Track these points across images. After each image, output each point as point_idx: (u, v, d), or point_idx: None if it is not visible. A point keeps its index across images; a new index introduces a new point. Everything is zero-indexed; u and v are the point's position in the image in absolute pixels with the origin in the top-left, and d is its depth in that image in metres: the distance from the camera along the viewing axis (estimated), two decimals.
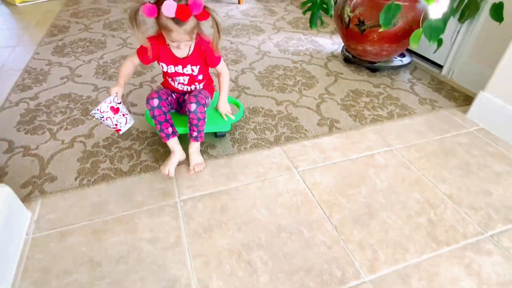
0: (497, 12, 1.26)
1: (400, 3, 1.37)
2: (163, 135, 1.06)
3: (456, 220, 0.94)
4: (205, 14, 0.89)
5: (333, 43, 2.02)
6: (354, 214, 0.95)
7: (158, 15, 0.88)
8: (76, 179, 1.06)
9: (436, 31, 1.34)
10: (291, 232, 0.90)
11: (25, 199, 0.98)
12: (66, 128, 1.29)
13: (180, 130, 1.11)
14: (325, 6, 1.46)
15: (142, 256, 0.84)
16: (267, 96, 1.50)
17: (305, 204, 0.98)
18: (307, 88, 1.56)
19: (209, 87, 1.17)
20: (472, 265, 0.82)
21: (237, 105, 1.28)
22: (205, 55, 1.04)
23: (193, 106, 1.01)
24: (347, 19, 1.57)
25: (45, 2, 2.80)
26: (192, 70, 1.06)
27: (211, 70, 1.13)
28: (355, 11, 1.52)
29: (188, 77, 1.08)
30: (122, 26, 2.27)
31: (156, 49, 1.01)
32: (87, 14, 2.49)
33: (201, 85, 1.14)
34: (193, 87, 1.12)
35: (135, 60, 1.04)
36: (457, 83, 1.61)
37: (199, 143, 1.11)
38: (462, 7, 1.43)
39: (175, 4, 0.84)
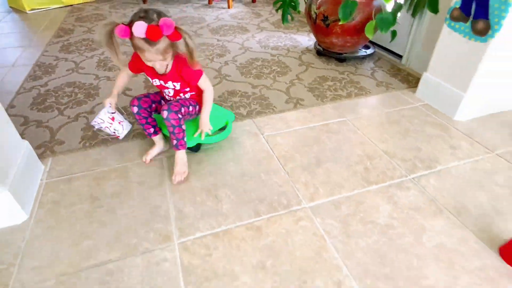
0: (433, 5, 1.51)
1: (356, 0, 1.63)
2: (146, 133, 1.19)
3: (387, 168, 1.17)
4: (177, 34, 0.90)
5: (309, 40, 2.28)
6: (304, 164, 1.19)
7: (132, 36, 0.90)
8: (80, 142, 1.31)
9: (386, 23, 1.59)
10: (251, 176, 1.13)
11: (39, 156, 1.21)
12: (72, 107, 1.54)
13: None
14: (293, 4, 1.73)
15: (132, 193, 1.07)
16: (245, 82, 1.75)
17: (266, 159, 1.22)
18: (280, 75, 1.82)
19: (200, 97, 1.17)
20: (392, 197, 1.05)
21: (226, 124, 1.27)
22: (182, 75, 1.06)
23: (165, 114, 1.04)
24: (314, 16, 1.83)
25: (52, 9, 3.11)
26: (174, 86, 1.11)
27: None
28: (320, 8, 1.78)
29: (173, 90, 1.13)
30: None
31: (140, 63, 1.05)
32: (90, 19, 2.79)
33: (188, 95, 1.17)
34: (178, 98, 1.16)
35: (129, 71, 1.12)
36: (412, 69, 1.85)
37: (182, 151, 1.12)
38: (414, 3, 1.69)
39: (145, 25, 0.86)
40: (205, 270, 0.84)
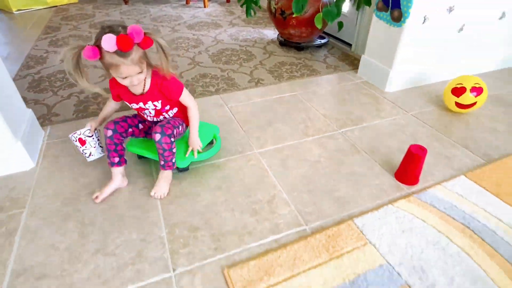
0: None
1: None
2: (108, 161, 1.12)
3: (323, 125, 1.50)
4: (148, 40, 0.90)
5: (274, 33, 2.62)
6: (259, 125, 1.50)
7: (101, 56, 0.89)
8: (73, 114, 1.59)
9: (331, 15, 1.94)
10: None
11: (40, 125, 1.49)
12: (64, 89, 1.82)
13: (152, 155, 1.17)
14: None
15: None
16: (215, 67, 2.06)
17: (228, 122, 1.53)
18: (246, 61, 2.14)
19: (184, 114, 1.17)
20: (323, 144, 1.38)
21: (215, 138, 1.31)
22: (163, 91, 1.05)
23: (157, 136, 1.03)
24: (274, 10, 2.17)
25: (38, 10, 3.36)
26: (155, 106, 1.08)
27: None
28: (278, 3, 2.12)
29: (154, 110, 1.11)
30: None
31: (116, 90, 1.08)
32: (75, 18, 3.06)
33: (171, 113, 1.15)
34: (161, 117, 1.15)
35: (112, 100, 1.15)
36: (359, 55, 2.21)
37: (168, 171, 1.13)
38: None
39: (114, 36, 0.85)
40: (176, 192, 1.14)
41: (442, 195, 1.11)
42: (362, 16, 2.15)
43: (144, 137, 1.23)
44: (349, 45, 2.34)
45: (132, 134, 1.16)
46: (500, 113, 1.60)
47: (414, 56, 1.71)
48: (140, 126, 1.19)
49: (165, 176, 1.13)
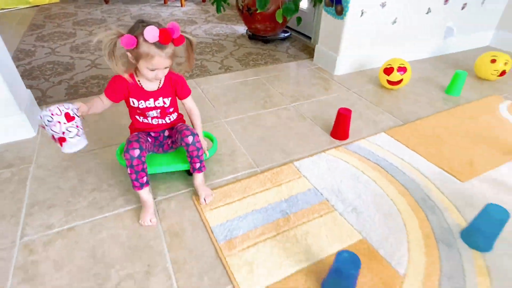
0: None
1: None
2: (137, 184, 1.07)
3: (279, 100, 1.83)
4: (181, 38, 0.97)
5: (245, 29, 2.95)
6: (226, 101, 1.82)
7: (137, 45, 0.93)
8: (65, 96, 1.86)
9: (290, 11, 2.29)
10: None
11: None
12: (55, 77, 2.08)
13: (169, 168, 1.21)
14: None
15: (112, 119, 1.65)
16: None
17: (201, 100, 1.84)
18: (218, 52, 2.46)
19: (181, 121, 1.23)
20: (278, 114, 1.71)
21: (211, 139, 1.38)
22: (176, 87, 1.11)
23: (190, 139, 1.08)
24: (241, 7, 2.50)
25: (21, 9, 3.56)
26: (164, 103, 1.11)
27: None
28: (245, 1, 2.45)
29: (160, 110, 1.12)
30: (87, 23, 3.09)
31: (123, 86, 1.06)
32: (58, 16, 3.29)
33: (174, 116, 1.19)
34: (167, 119, 1.17)
35: (104, 99, 1.07)
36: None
37: (203, 173, 1.18)
38: None
39: (157, 29, 0.90)
40: None
41: (365, 146, 1.46)
42: (318, 12, 2.50)
43: (153, 151, 1.22)
44: (309, 38, 2.69)
45: (148, 150, 1.15)
46: (425, 91, 1.97)
47: (356, 44, 2.07)
48: (149, 139, 1.19)
49: (202, 180, 1.18)
